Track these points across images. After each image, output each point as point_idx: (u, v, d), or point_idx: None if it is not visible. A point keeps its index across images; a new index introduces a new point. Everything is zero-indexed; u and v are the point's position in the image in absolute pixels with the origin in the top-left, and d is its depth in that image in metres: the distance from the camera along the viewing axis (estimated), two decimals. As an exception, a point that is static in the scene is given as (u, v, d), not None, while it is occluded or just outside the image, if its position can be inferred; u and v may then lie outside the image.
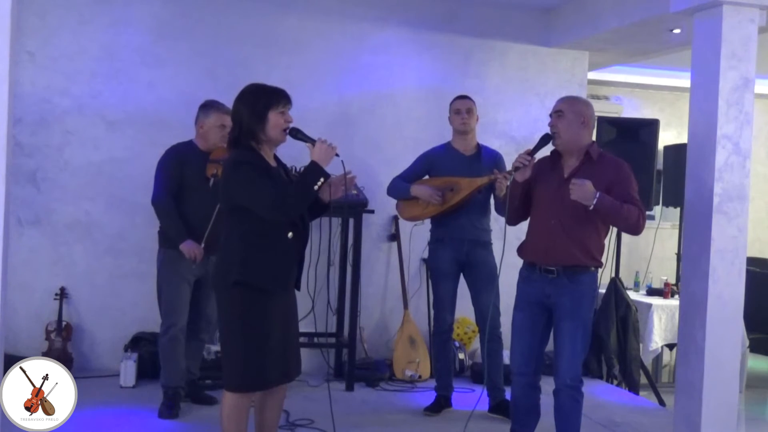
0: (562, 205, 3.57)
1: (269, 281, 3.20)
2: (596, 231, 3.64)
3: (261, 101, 3.21)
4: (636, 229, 3.60)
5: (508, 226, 3.82)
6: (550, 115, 3.71)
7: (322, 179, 3.17)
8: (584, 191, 3.45)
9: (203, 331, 4.71)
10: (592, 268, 3.67)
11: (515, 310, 3.82)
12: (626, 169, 3.65)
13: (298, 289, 3.42)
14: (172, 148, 4.57)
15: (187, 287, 4.53)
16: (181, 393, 4.57)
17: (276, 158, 3.36)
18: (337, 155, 3.24)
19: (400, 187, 4.72)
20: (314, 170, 3.17)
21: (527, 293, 3.73)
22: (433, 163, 4.74)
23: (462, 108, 4.68)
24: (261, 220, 3.16)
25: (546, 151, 3.78)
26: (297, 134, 3.31)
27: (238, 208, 3.19)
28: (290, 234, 3.23)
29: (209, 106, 4.54)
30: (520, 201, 3.75)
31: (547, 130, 3.73)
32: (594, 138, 5.81)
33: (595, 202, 3.44)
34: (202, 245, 4.42)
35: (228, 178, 3.21)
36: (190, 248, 4.42)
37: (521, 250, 3.81)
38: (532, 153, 3.66)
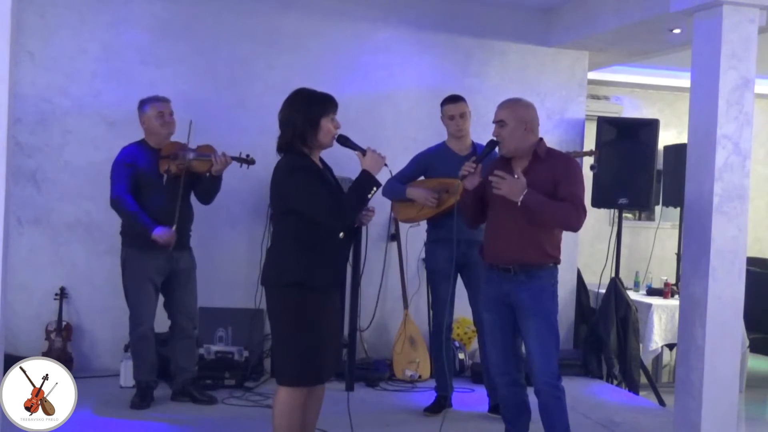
0: (514, 205, 3.53)
1: (324, 280, 3.28)
2: (550, 228, 3.63)
3: (314, 108, 3.27)
4: (569, 227, 3.62)
5: None
6: (494, 123, 3.68)
7: (375, 188, 3.26)
8: (510, 186, 3.46)
9: (189, 328, 4.72)
10: (551, 264, 3.66)
11: (483, 312, 3.84)
12: (573, 166, 3.65)
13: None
14: (124, 149, 4.64)
15: (151, 287, 4.56)
16: (153, 386, 4.67)
17: (322, 160, 3.42)
18: (385, 165, 3.34)
19: (395, 189, 4.69)
20: (368, 179, 3.27)
21: (489, 293, 3.74)
22: (429, 164, 4.74)
23: (456, 114, 4.67)
24: (314, 223, 3.23)
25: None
26: (345, 142, 3.38)
27: (291, 210, 3.25)
28: (341, 234, 3.31)
29: (143, 102, 4.68)
30: (475, 206, 3.76)
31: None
32: (594, 138, 5.94)
33: (522, 198, 3.46)
34: (174, 228, 4.43)
35: (282, 182, 3.26)
36: (162, 234, 4.42)
37: (481, 252, 3.82)
38: (477, 161, 3.67)
